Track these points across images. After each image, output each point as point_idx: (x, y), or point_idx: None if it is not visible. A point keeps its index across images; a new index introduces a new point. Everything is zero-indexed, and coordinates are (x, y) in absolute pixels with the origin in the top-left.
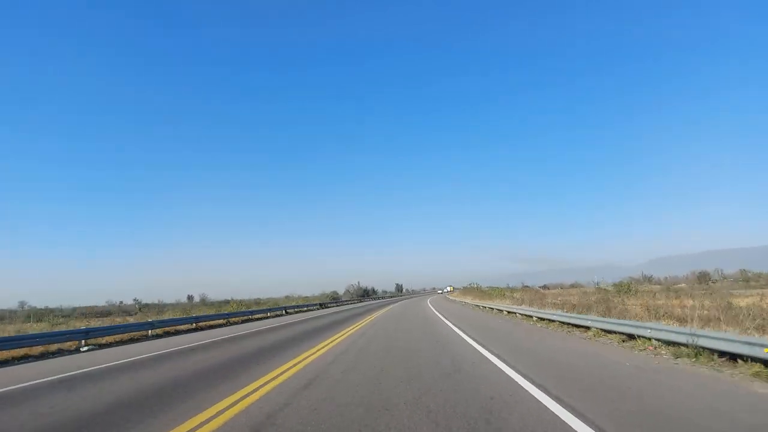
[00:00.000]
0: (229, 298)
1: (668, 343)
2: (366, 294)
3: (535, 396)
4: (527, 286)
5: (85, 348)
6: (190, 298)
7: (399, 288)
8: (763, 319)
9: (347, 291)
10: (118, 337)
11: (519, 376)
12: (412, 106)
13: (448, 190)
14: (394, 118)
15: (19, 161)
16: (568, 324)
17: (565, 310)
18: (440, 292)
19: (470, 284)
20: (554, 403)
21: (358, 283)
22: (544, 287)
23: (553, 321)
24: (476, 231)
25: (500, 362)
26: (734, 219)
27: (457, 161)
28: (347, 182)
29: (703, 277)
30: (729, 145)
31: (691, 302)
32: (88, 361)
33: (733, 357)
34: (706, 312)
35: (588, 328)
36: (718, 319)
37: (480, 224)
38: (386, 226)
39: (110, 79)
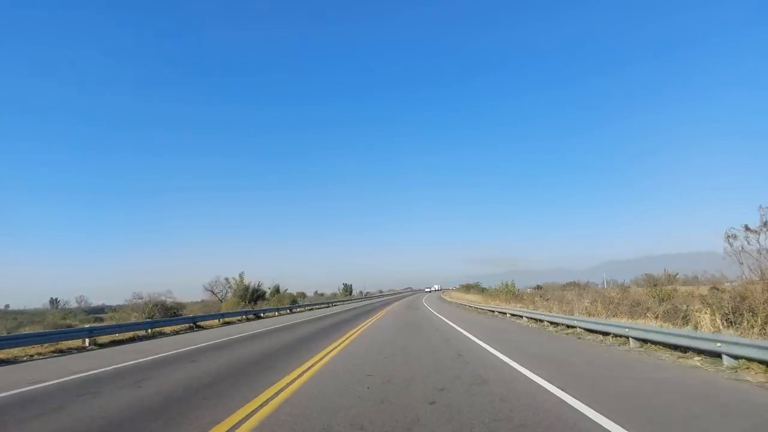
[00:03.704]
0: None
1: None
2: (261, 298)
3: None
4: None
5: None
6: (53, 302)
7: (348, 288)
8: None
9: (213, 294)
10: None
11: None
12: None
13: (435, 192)
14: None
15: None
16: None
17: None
18: (428, 290)
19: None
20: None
21: (241, 275)
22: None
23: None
24: (447, 233)
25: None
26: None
27: (442, 163)
28: (334, 184)
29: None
30: (717, 149)
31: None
32: None
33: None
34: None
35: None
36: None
37: (451, 225)
38: (376, 228)
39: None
